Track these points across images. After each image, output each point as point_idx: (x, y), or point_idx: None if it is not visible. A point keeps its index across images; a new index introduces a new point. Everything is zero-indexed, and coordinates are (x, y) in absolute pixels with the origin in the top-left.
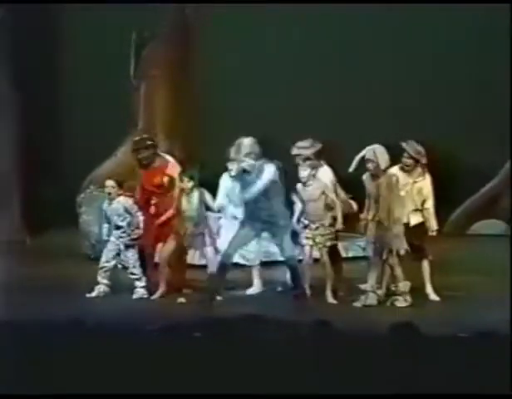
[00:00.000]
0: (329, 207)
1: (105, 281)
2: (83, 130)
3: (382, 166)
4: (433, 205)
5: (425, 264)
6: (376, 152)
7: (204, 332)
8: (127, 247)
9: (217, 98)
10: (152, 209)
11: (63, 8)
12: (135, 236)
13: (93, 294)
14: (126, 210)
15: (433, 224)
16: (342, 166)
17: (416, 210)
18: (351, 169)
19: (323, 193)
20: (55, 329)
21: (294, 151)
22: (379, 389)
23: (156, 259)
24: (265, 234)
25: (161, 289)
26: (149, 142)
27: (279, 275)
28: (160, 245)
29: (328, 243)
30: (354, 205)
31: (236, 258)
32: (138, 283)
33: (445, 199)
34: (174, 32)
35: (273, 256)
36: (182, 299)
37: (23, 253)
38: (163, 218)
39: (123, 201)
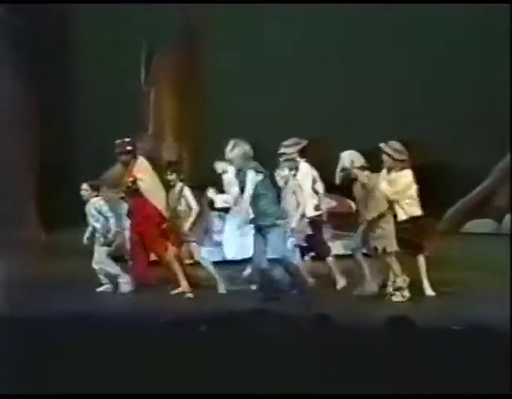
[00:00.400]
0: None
1: (105, 280)
2: (96, 134)
3: (347, 165)
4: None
5: (421, 260)
6: (350, 158)
7: (209, 325)
8: (101, 247)
9: (221, 101)
10: (128, 211)
11: (77, 17)
12: (110, 237)
13: (100, 289)
14: (97, 211)
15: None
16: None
17: (409, 205)
18: (337, 182)
19: (294, 193)
20: (66, 323)
21: (279, 150)
22: (377, 384)
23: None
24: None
25: (183, 286)
26: (129, 147)
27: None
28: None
29: None
30: (353, 205)
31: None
32: (120, 280)
33: (439, 198)
34: (181, 43)
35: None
36: (190, 295)
37: (39, 249)
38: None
39: (94, 201)
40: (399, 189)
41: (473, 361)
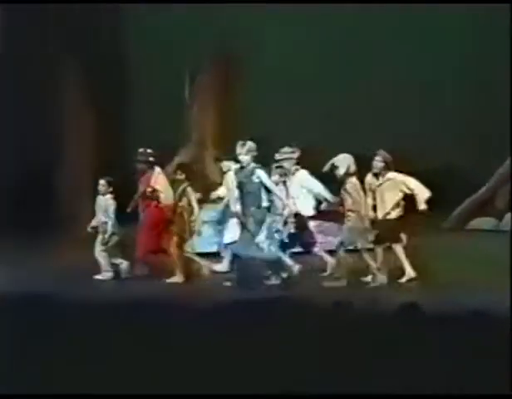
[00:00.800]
0: None
1: (106, 267)
2: (147, 141)
3: (341, 172)
4: (416, 184)
5: (398, 248)
6: (347, 163)
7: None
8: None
9: (254, 114)
10: (142, 215)
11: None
12: (106, 238)
13: (98, 276)
14: (104, 209)
15: (422, 197)
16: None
17: (395, 206)
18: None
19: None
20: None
21: (276, 158)
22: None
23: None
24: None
25: (178, 276)
26: (150, 158)
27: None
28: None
29: None
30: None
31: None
32: (122, 267)
33: (445, 199)
34: (218, 65)
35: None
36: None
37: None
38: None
39: (106, 198)
40: (403, 183)
41: (472, 345)
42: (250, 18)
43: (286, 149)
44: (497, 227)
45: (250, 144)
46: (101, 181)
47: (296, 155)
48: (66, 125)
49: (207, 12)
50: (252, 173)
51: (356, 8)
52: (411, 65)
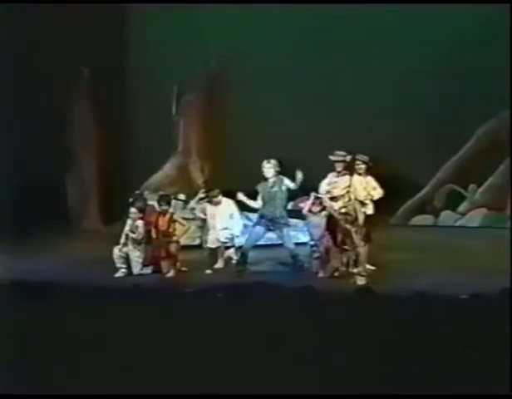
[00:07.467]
0: None
1: (121, 265)
2: (144, 151)
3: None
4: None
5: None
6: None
7: (225, 293)
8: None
9: (235, 129)
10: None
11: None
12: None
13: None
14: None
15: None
16: None
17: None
18: None
19: None
20: (112, 292)
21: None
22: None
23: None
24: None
25: (172, 271)
26: (167, 198)
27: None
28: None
29: None
30: None
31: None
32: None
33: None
34: (203, 85)
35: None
36: (209, 271)
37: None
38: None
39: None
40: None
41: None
42: (236, 32)
43: (340, 152)
44: (435, 223)
45: (273, 161)
46: (132, 210)
47: (348, 159)
48: (77, 132)
49: (194, 31)
50: (281, 182)
51: (356, 8)
52: (410, 65)
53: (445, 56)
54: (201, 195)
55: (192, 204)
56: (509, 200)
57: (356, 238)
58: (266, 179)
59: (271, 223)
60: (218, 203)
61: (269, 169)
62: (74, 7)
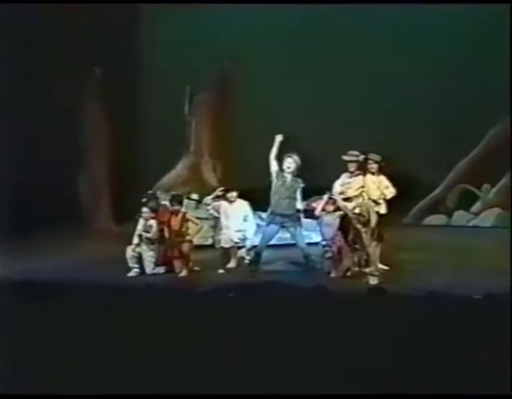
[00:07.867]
0: None
1: (133, 265)
2: (155, 151)
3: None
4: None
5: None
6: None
7: (237, 293)
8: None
9: (248, 129)
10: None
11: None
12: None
13: (129, 274)
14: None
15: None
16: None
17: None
18: None
19: None
20: (125, 292)
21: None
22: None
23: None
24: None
25: (185, 271)
26: (179, 198)
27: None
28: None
29: None
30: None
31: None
32: (150, 259)
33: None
34: (215, 84)
35: (284, 240)
36: (222, 270)
37: (110, 238)
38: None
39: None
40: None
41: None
42: (248, 32)
43: (354, 152)
44: (448, 223)
45: (295, 156)
46: (144, 209)
47: (361, 158)
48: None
49: (206, 30)
50: (296, 183)
51: (356, 8)
52: (410, 65)
53: (451, 57)
54: (218, 193)
55: (207, 200)
56: None
57: (366, 239)
58: (282, 176)
59: (286, 219)
60: (233, 202)
61: (291, 164)
62: (87, 8)
